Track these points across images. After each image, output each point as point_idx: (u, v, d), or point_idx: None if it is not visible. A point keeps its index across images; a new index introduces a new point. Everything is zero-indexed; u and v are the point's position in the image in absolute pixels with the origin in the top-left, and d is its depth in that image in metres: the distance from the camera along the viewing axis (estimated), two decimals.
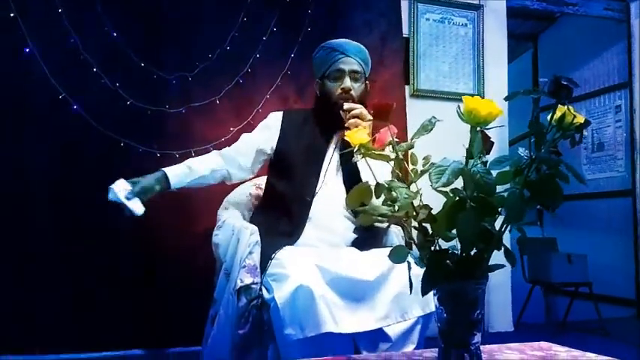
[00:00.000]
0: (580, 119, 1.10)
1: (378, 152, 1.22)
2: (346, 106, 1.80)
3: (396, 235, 1.87)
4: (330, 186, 1.85)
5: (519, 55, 5.09)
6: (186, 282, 2.42)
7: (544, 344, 1.31)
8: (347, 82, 1.84)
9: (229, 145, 1.97)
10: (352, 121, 1.76)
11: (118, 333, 2.42)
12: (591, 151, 4.35)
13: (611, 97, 4.19)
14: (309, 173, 1.80)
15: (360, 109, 1.79)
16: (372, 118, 1.77)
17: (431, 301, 1.54)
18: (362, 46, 1.94)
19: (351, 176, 1.86)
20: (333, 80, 1.86)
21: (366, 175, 1.84)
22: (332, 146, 1.91)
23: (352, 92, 1.84)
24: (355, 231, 1.86)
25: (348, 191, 1.80)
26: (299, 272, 1.51)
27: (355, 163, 1.85)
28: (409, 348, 1.56)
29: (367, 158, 1.25)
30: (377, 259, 1.62)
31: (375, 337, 1.56)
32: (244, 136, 1.98)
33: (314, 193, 1.81)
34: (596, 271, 3.44)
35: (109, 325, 2.40)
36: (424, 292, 1.08)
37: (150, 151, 2.50)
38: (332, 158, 1.89)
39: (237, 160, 1.91)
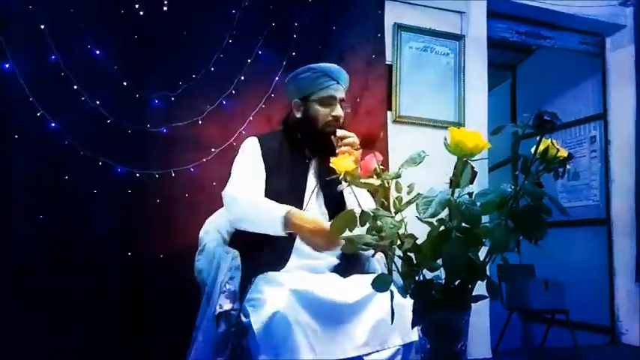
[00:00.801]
0: (563, 153, 1.12)
1: (364, 181, 1.21)
2: (339, 133, 1.79)
3: (377, 261, 1.86)
4: (311, 212, 1.83)
5: (499, 84, 5.21)
6: (172, 305, 2.37)
7: None
8: (339, 110, 1.84)
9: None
10: (345, 148, 1.76)
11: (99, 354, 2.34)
12: (567, 179, 4.44)
13: (586, 128, 4.30)
14: (292, 201, 1.76)
15: (353, 137, 1.80)
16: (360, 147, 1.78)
17: (411, 331, 1.54)
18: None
19: (332, 202, 1.85)
20: (321, 105, 1.84)
21: (350, 202, 1.83)
22: (312, 170, 1.90)
23: (341, 120, 1.85)
24: (338, 257, 1.85)
25: (329, 216, 1.82)
26: (276, 298, 1.49)
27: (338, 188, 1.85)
28: None
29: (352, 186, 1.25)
30: (358, 284, 1.61)
31: None
32: (242, 168, 1.83)
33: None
34: (572, 298, 3.48)
35: (90, 346, 2.33)
36: (415, 324, 1.07)
37: (129, 170, 2.46)
38: (312, 183, 1.88)
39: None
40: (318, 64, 1.89)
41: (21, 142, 2.33)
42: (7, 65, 2.32)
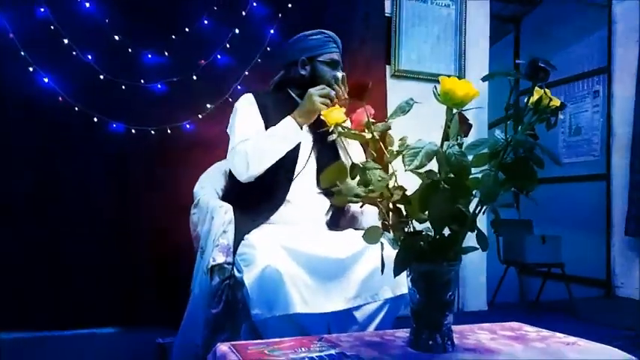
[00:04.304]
0: (556, 102, 1.10)
1: (354, 132, 1.20)
2: (332, 94, 1.79)
3: (372, 215, 1.87)
4: (306, 165, 1.83)
5: (501, 38, 5.09)
6: (167, 260, 2.40)
7: (515, 324, 1.33)
8: (340, 73, 1.89)
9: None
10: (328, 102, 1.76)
11: (93, 311, 2.39)
12: (568, 135, 4.40)
13: (589, 82, 4.23)
14: (287, 156, 1.77)
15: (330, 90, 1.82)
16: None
17: (402, 284, 1.56)
18: None
19: (326, 155, 1.85)
20: (328, 66, 1.89)
21: (344, 155, 1.85)
22: (305, 129, 1.90)
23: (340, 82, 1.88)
24: (330, 209, 1.86)
25: (319, 168, 1.82)
26: (267, 253, 1.50)
27: (332, 141, 1.85)
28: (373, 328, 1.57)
29: (344, 138, 1.23)
30: (350, 239, 1.62)
31: (346, 320, 1.56)
32: (244, 123, 1.83)
33: (293, 173, 1.80)
34: (569, 253, 3.51)
35: (86, 303, 2.38)
36: (396, 273, 1.07)
37: (124, 126, 2.45)
38: (307, 137, 1.87)
39: None
40: (323, 30, 1.94)
41: (13, 97, 2.30)
42: None
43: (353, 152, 1.80)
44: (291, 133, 1.77)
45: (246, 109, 1.86)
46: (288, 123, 1.77)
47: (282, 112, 1.82)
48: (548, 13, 4.59)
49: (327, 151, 1.86)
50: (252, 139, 1.75)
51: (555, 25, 4.50)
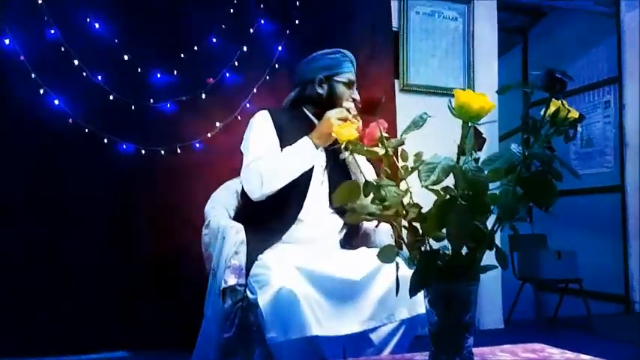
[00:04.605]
0: (574, 114, 1.06)
1: (367, 148, 1.17)
2: (351, 117, 1.78)
3: (385, 233, 1.83)
4: (319, 184, 1.81)
5: (509, 50, 5.07)
6: (180, 281, 2.37)
7: (537, 346, 1.29)
8: (356, 93, 1.89)
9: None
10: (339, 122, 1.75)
11: (104, 334, 2.37)
12: (580, 146, 4.35)
13: (600, 93, 4.19)
14: (299, 178, 1.74)
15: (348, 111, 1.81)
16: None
17: (418, 304, 1.52)
18: None
19: (338, 174, 1.83)
20: (345, 86, 1.88)
21: (356, 172, 1.83)
22: (320, 149, 1.88)
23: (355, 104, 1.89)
24: (344, 228, 1.83)
25: (332, 187, 1.80)
26: (282, 274, 1.47)
27: (343, 160, 1.84)
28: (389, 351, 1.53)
29: (356, 155, 1.21)
30: (364, 258, 1.59)
31: (362, 343, 1.52)
32: (259, 140, 1.81)
33: (306, 193, 1.77)
34: (585, 268, 3.44)
35: (96, 327, 2.36)
36: (412, 293, 1.04)
37: (134, 147, 2.44)
38: (319, 156, 1.85)
39: None
40: (341, 49, 1.93)
41: (25, 119, 2.31)
42: (6, 41, 2.28)
43: (366, 168, 1.78)
44: (308, 153, 1.74)
45: (261, 126, 1.84)
46: (306, 143, 1.74)
47: (297, 130, 1.80)
48: (555, 24, 4.57)
49: (339, 170, 1.84)
50: (268, 158, 1.73)
51: (563, 35, 4.48)
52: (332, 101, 1.84)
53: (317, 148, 1.75)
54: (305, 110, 1.90)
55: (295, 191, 1.75)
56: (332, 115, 1.74)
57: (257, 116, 1.88)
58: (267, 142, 1.79)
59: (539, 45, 4.85)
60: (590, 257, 3.67)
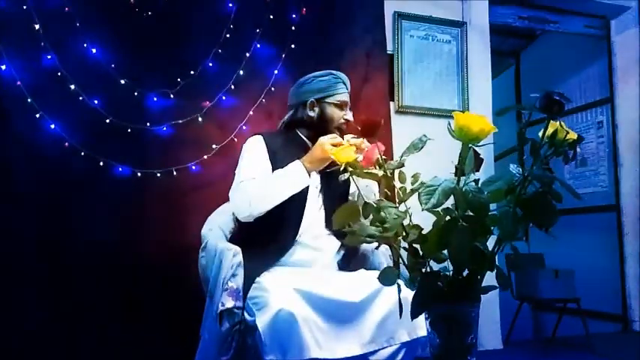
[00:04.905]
0: (573, 135, 1.08)
1: (367, 171, 1.17)
2: (353, 141, 1.76)
3: (383, 254, 1.83)
4: (314, 206, 1.81)
5: (502, 72, 5.14)
6: (177, 303, 2.35)
7: None
8: (350, 114, 1.90)
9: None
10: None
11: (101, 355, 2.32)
12: (574, 166, 4.38)
13: (592, 113, 4.24)
14: (295, 201, 1.76)
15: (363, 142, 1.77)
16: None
17: (418, 327, 1.52)
18: None
19: (333, 196, 1.83)
20: (337, 108, 1.89)
21: (357, 192, 1.82)
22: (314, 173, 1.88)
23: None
24: (341, 249, 1.82)
25: (328, 209, 1.80)
26: (280, 296, 1.47)
27: (339, 182, 1.83)
28: None
29: (354, 177, 1.21)
30: (364, 280, 1.58)
31: None
32: (250, 164, 1.83)
33: (302, 215, 1.77)
34: (583, 287, 3.43)
35: (93, 347, 2.31)
36: (414, 315, 1.03)
37: (130, 170, 2.43)
38: (315, 178, 1.85)
39: None
40: (332, 71, 1.95)
41: (21, 144, 2.30)
42: (3, 67, 2.29)
43: (369, 183, 1.80)
44: (299, 177, 1.74)
45: (252, 151, 1.85)
46: (297, 168, 1.75)
47: (290, 153, 1.81)
48: (547, 46, 4.65)
49: (335, 191, 1.84)
50: (257, 180, 1.74)
51: (555, 57, 4.54)
52: (324, 124, 1.85)
53: (308, 172, 1.75)
54: (299, 133, 1.91)
55: (292, 214, 1.75)
56: (325, 140, 1.74)
57: (250, 141, 1.89)
58: (259, 167, 1.80)
59: (532, 67, 4.92)
60: (587, 276, 3.66)
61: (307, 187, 1.81)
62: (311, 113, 1.89)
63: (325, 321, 1.47)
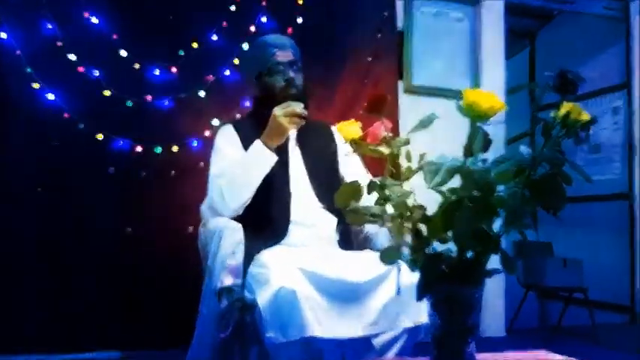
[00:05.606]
0: (586, 116, 1.03)
1: (372, 148, 1.13)
2: (298, 110, 1.68)
3: (386, 236, 1.78)
4: (301, 182, 1.78)
5: (516, 53, 5.01)
6: (176, 279, 2.33)
7: (541, 353, 1.25)
8: (290, 72, 1.78)
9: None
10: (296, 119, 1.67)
11: (95, 333, 2.33)
12: (588, 152, 4.28)
13: (608, 99, 4.12)
14: (278, 176, 1.72)
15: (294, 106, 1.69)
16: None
17: (422, 313, 1.48)
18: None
19: (318, 167, 1.80)
20: (271, 75, 1.79)
21: (349, 172, 1.82)
22: (291, 142, 1.83)
23: (296, 82, 1.78)
24: (339, 226, 1.77)
25: (316, 183, 1.76)
26: (282, 273, 1.44)
27: (321, 153, 1.82)
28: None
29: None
30: (369, 261, 1.54)
31: (363, 348, 1.48)
32: (220, 157, 1.78)
33: (289, 194, 1.74)
34: (590, 276, 3.38)
35: (88, 326, 2.32)
36: (419, 298, 1.00)
37: (130, 143, 2.40)
38: (294, 154, 1.81)
39: None
40: (259, 38, 1.86)
41: (19, 115, 2.28)
42: (3, 35, 2.24)
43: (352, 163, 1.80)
44: (263, 157, 1.68)
45: (223, 142, 1.81)
46: (258, 148, 1.68)
47: (261, 134, 1.74)
48: (563, 28, 4.51)
49: (318, 164, 1.81)
50: (226, 174, 1.69)
51: (571, 39, 4.41)
52: (268, 97, 1.78)
53: (271, 149, 1.68)
54: (265, 112, 1.83)
55: (277, 193, 1.72)
56: (277, 112, 1.66)
57: (219, 132, 1.86)
58: (230, 158, 1.74)
59: (548, 49, 4.79)
60: (596, 265, 3.61)
61: (287, 163, 1.77)
62: (256, 92, 1.86)
63: (327, 300, 1.44)
